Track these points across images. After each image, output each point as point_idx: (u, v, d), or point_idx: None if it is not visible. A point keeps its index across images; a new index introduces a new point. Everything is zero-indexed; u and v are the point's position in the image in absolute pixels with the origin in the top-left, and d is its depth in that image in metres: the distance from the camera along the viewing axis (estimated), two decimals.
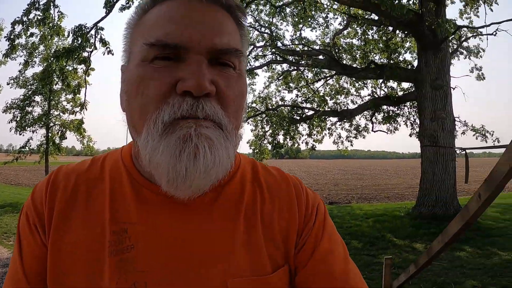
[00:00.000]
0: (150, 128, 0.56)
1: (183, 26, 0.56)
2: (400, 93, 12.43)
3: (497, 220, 8.58)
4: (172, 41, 0.56)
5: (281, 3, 12.10)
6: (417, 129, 11.04)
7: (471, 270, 5.20)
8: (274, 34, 12.43)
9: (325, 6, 11.93)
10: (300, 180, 0.76)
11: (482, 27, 10.63)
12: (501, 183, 1.65)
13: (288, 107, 12.82)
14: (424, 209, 8.83)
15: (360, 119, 13.39)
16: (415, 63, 10.55)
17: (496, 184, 1.64)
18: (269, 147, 12.70)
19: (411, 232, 7.54)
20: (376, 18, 10.68)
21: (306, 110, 12.75)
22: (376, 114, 13.16)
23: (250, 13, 11.75)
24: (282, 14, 12.17)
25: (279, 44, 12.30)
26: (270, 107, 12.82)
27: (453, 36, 10.28)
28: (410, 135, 12.81)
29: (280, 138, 12.48)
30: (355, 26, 12.16)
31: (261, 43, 12.70)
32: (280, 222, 0.67)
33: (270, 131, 12.59)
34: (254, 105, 13.04)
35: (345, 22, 12.41)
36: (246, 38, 0.67)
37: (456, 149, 8.91)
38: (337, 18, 13.20)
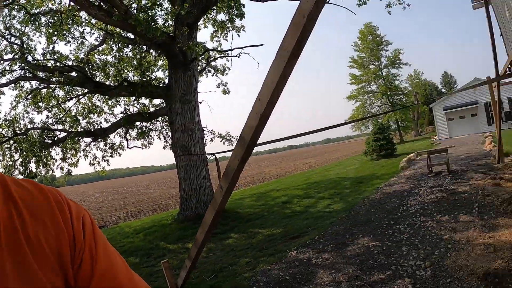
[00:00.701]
0: None
1: None
2: (152, 109, 13.08)
3: (253, 207, 10.40)
4: None
5: (37, 11, 10.73)
6: (170, 141, 11.93)
7: (242, 251, 6.13)
8: (25, 45, 10.90)
9: (83, 19, 11.33)
10: (58, 190, 0.66)
11: (228, 50, 12.73)
12: (235, 175, 2.22)
13: (39, 130, 11.51)
14: (188, 212, 9.69)
15: (114, 137, 13.36)
16: (167, 81, 11.26)
17: (231, 177, 2.20)
18: (21, 178, 10.91)
19: (181, 235, 8.19)
20: (132, 36, 10.86)
21: (58, 132, 11.81)
22: (130, 130, 13.44)
23: (1, 19, 9.94)
24: (37, 23, 10.79)
25: (29, 58, 10.87)
26: (19, 131, 11.18)
27: (202, 56, 11.67)
28: (164, 148, 13.69)
29: (32, 166, 11.14)
30: (111, 43, 12.04)
31: (10, 56, 10.92)
32: (49, 242, 0.57)
33: (20, 159, 11.06)
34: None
35: (101, 38, 12.11)
36: None
37: (207, 155, 10.17)
38: (93, 33, 12.72)
